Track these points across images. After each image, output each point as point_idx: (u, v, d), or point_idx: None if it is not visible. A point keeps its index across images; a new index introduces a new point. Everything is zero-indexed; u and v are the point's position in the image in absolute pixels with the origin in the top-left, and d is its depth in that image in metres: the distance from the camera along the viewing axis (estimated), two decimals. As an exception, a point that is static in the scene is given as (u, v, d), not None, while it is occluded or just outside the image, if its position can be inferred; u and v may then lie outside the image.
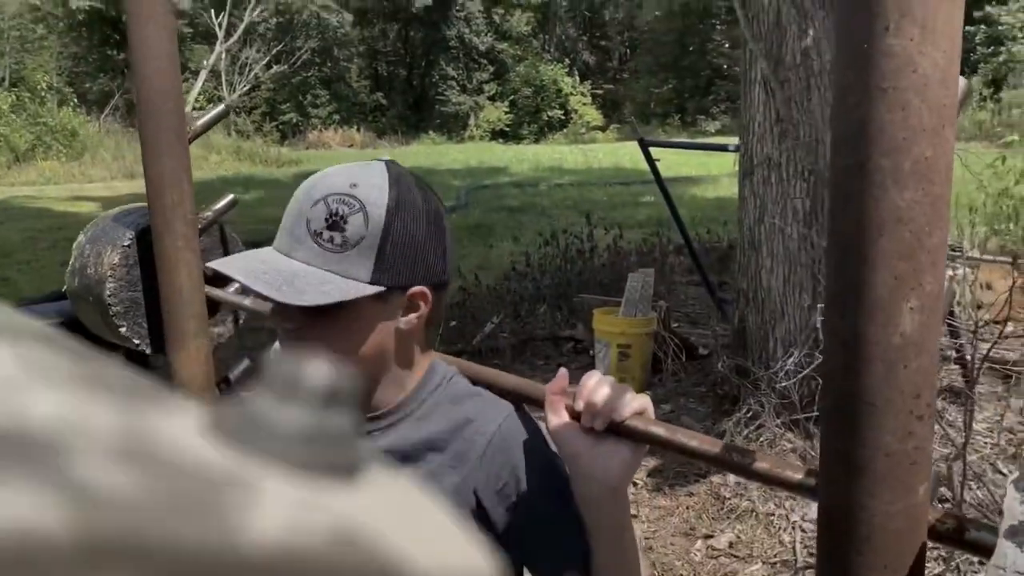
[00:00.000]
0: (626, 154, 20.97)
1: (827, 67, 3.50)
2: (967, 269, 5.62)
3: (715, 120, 29.95)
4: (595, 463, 0.85)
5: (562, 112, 34.20)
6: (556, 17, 40.01)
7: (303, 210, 0.89)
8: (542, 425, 0.95)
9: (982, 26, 23.56)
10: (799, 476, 0.77)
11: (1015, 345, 5.19)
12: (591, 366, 4.76)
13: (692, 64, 34.77)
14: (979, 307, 5.65)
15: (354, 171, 0.91)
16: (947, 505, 3.21)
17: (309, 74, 33.59)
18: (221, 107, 1.62)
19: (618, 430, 0.85)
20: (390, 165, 0.93)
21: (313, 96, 33.44)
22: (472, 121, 34.42)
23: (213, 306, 1.74)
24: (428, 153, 23.91)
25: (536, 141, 31.75)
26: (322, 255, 0.88)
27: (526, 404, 1.00)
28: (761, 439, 3.62)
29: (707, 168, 14.84)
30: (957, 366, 4.24)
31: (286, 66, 31.47)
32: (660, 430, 0.85)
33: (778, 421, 3.63)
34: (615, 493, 0.86)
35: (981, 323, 5.23)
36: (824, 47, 3.48)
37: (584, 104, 34.40)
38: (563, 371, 0.90)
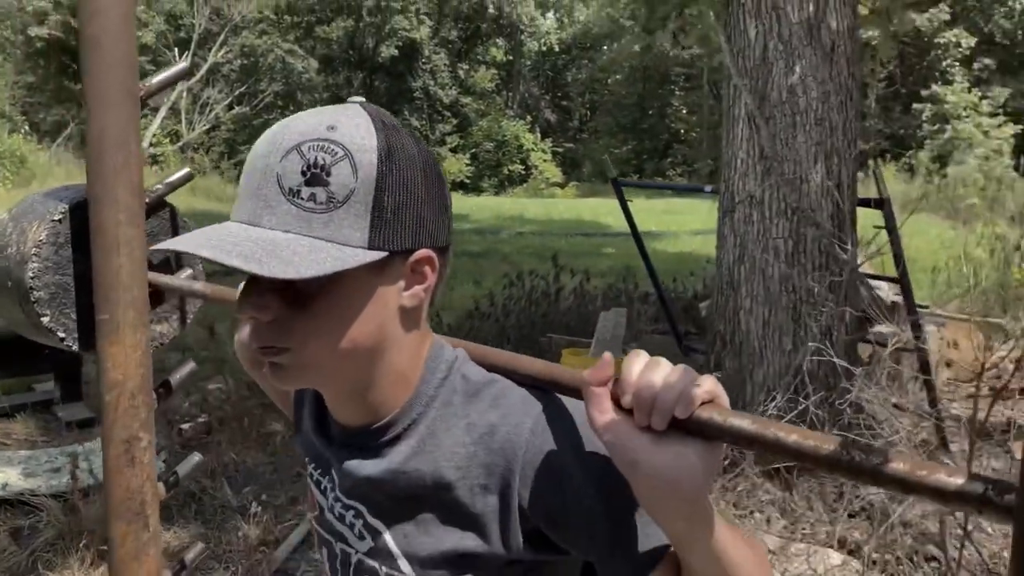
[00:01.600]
0: (587, 208, 21.07)
1: (812, 104, 3.42)
2: (935, 327, 5.60)
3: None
4: (659, 472, 0.63)
5: (523, 167, 34.47)
6: (520, 75, 40.62)
7: (270, 165, 0.70)
8: (578, 412, 0.74)
9: (929, 104, 24.50)
10: (958, 481, 0.55)
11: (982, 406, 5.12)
12: (556, 410, 4.55)
13: (651, 127, 35.49)
14: (948, 364, 5.61)
15: (327, 112, 0.73)
16: (933, 564, 3.04)
17: (271, 117, 33.38)
18: (183, 64, 1.40)
19: (684, 426, 0.63)
20: (366, 106, 0.75)
21: (273, 139, 33.18)
22: (433, 171, 34.47)
23: (156, 299, 1.50)
24: (387, 199, 23.74)
25: (496, 194, 31.85)
26: (303, 218, 0.69)
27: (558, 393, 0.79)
28: (739, 488, 3.42)
29: (667, 224, 14.93)
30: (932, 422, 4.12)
31: (248, 108, 31.23)
32: (745, 423, 0.62)
33: (756, 470, 3.44)
34: (690, 505, 0.64)
35: (950, 382, 5.16)
36: (810, 84, 3.40)
37: (545, 160, 34.73)
38: (608, 356, 0.68)
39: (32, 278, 1.41)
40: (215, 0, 27.11)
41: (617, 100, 37.30)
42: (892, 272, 3.77)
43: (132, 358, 1.39)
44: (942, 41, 25.11)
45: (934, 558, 3.00)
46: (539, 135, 35.85)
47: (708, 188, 4.47)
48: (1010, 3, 24.32)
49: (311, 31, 36.84)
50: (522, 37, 38.45)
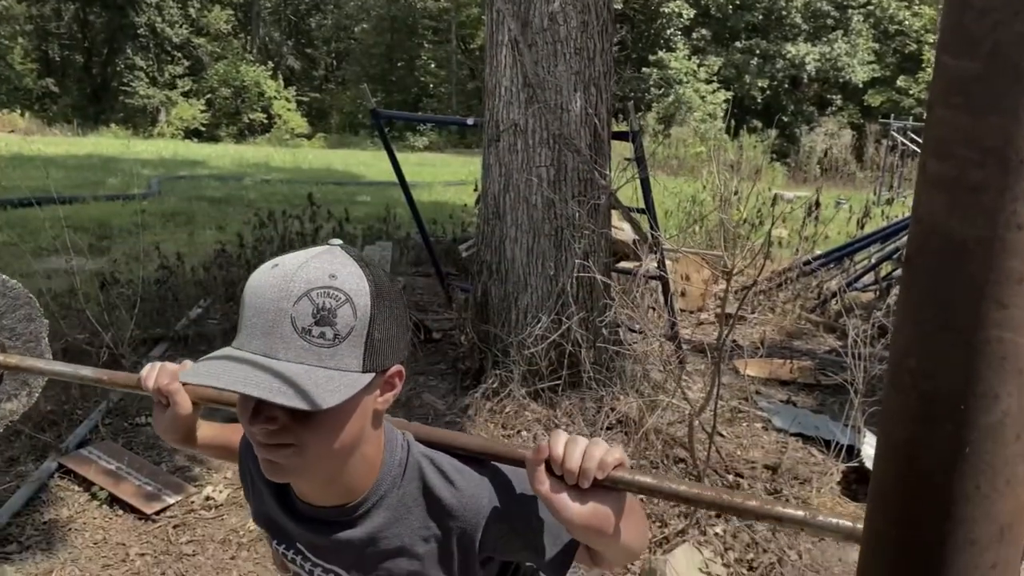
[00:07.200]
0: (337, 158, 20.52)
1: (572, 34, 3.50)
2: (670, 261, 6.08)
3: (423, 136, 30.46)
4: (587, 522, 0.86)
5: (265, 116, 32.65)
6: (259, 18, 38.33)
7: (284, 308, 0.84)
8: (511, 474, 1.00)
9: (655, 69, 26.61)
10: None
11: (709, 330, 5.71)
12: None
13: (400, 79, 35.18)
14: (683, 294, 6.14)
15: (325, 260, 0.87)
16: (681, 465, 3.32)
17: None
18: None
19: (602, 484, 0.86)
20: (349, 250, 0.90)
21: (-37, 73, 28.56)
22: (163, 117, 31.59)
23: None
24: (111, 144, 21.39)
25: (237, 143, 29.88)
26: (314, 352, 0.84)
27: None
28: (506, 410, 3.49)
29: (420, 176, 14.91)
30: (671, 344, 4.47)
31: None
32: (647, 479, 0.86)
33: (523, 391, 3.52)
34: (608, 537, 0.88)
35: (682, 312, 5.61)
36: (570, 13, 3.47)
37: (289, 110, 33.16)
38: (542, 443, 0.88)
39: None
40: None
41: (365, 50, 36.46)
42: (641, 204, 4.00)
43: None
44: (666, 11, 27.31)
45: (682, 460, 3.27)
46: (282, 83, 34.07)
47: (470, 120, 4.45)
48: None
49: (8, -50, 31.92)
50: (261, -24, 36.12)
